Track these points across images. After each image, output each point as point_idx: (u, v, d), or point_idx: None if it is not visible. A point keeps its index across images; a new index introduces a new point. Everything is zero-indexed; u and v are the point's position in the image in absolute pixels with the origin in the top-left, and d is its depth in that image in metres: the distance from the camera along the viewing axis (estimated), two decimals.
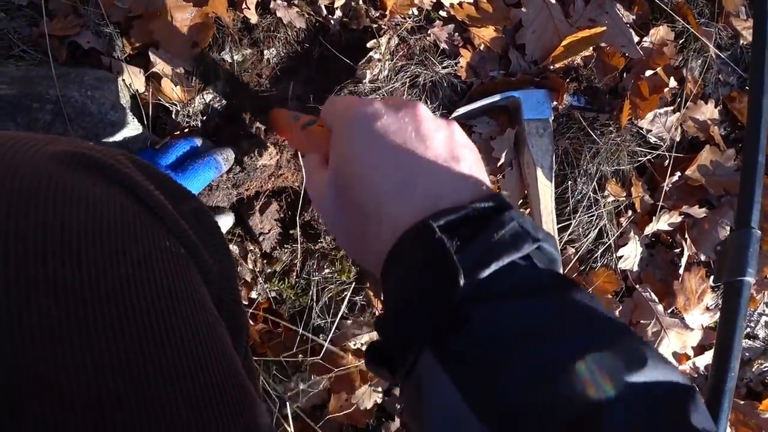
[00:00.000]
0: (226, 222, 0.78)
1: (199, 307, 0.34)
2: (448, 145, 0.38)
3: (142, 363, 0.28)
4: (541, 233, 0.33)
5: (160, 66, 0.80)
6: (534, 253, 0.33)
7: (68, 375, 0.26)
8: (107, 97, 0.76)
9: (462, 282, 0.29)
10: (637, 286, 0.89)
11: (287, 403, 0.79)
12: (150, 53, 0.79)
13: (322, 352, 0.78)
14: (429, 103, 0.81)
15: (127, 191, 0.35)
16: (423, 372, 0.31)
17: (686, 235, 0.90)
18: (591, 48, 0.85)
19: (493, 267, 0.30)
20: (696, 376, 0.92)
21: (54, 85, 0.74)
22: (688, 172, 0.89)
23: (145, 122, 0.80)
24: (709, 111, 0.91)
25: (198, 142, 0.77)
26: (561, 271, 0.35)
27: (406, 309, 0.33)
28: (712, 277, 0.87)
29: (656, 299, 0.89)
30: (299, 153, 0.72)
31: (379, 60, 0.80)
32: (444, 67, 0.82)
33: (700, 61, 0.91)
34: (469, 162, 0.38)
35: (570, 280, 0.33)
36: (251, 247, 0.80)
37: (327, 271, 0.80)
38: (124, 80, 0.78)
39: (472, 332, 0.29)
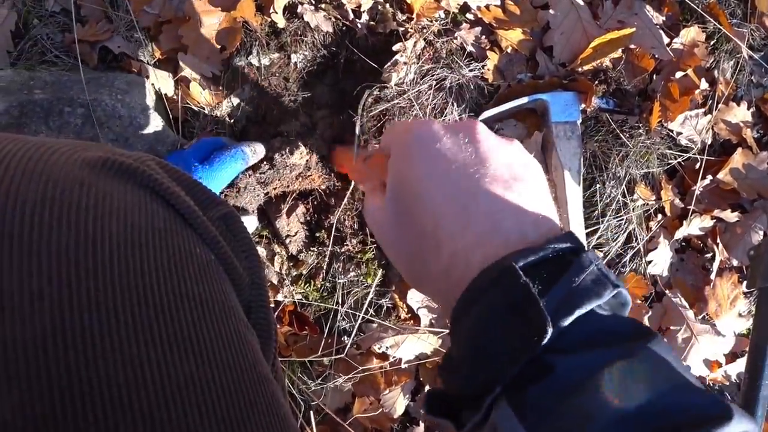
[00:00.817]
0: (250, 223, 0.79)
1: (230, 315, 0.34)
2: (509, 164, 0.36)
3: (172, 374, 0.28)
4: (617, 279, 0.31)
5: (188, 70, 0.81)
6: (610, 300, 0.32)
7: (101, 385, 0.26)
8: (137, 100, 0.77)
9: (550, 331, 0.28)
10: (667, 292, 0.88)
11: (311, 405, 0.79)
12: (179, 58, 0.80)
13: (345, 351, 0.78)
14: (455, 105, 0.81)
15: (158, 197, 0.35)
16: (498, 423, 0.29)
17: (718, 240, 0.88)
18: (620, 50, 0.84)
19: (576, 314, 0.29)
20: (728, 383, 0.90)
21: (85, 90, 0.75)
22: (719, 176, 0.87)
23: (173, 125, 0.81)
24: (741, 113, 0.89)
25: (225, 140, 0.77)
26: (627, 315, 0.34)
27: (483, 355, 0.31)
28: (744, 283, 0.85)
29: (686, 305, 0.87)
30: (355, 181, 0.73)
31: (405, 63, 0.80)
32: (471, 70, 0.82)
33: (732, 62, 0.89)
34: (532, 182, 0.36)
35: (647, 328, 0.31)
36: (278, 249, 0.80)
37: (353, 273, 0.80)
38: (153, 84, 0.79)
39: (554, 384, 0.28)
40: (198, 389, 0.28)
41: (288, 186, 0.79)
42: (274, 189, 0.78)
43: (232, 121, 0.84)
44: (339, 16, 0.83)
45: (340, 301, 0.81)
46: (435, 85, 0.81)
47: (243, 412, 0.30)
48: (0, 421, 0.24)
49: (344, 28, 0.83)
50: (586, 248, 0.32)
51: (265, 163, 0.75)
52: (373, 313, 0.80)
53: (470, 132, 0.38)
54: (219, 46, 0.80)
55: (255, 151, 0.74)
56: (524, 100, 0.81)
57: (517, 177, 0.36)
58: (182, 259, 0.33)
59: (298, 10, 0.82)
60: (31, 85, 0.77)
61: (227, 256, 0.38)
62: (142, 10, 0.80)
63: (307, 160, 0.75)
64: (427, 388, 0.83)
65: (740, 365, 0.89)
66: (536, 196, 0.35)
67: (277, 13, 0.81)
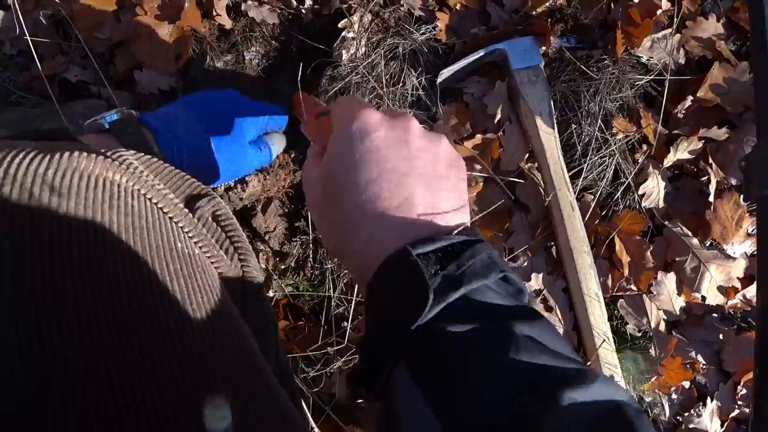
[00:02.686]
0: (282, 141, 0.75)
1: (219, 309, 0.34)
2: (435, 163, 0.41)
3: (151, 368, 0.27)
4: (507, 267, 0.37)
5: (146, 86, 0.82)
6: (500, 284, 0.37)
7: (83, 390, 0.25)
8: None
9: (431, 299, 0.33)
10: (666, 223, 0.84)
11: (321, 395, 0.79)
12: (135, 75, 0.81)
13: (346, 338, 0.77)
14: (413, 71, 0.80)
15: (134, 190, 0.34)
16: (397, 385, 0.34)
17: (710, 161, 0.84)
18: None
19: (463, 290, 0.34)
20: (749, 309, 0.86)
21: (48, 121, 0.77)
22: (699, 94, 0.83)
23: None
24: (711, 26, 0.86)
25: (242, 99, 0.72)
26: (526, 301, 0.38)
27: (384, 328, 0.36)
28: (742, 198, 0.81)
29: (689, 233, 0.83)
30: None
31: (354, 38, 0.79)
32: (422, 34, 0.81)
33: None
34: (453, 181, 0.41)
35: (532, 309, 0.37)
36: (261, 247, 0.80)
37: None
38: (115, 105, 0.80)
39: (440, 348, 0.33)
40: (188, 384, 0.28)
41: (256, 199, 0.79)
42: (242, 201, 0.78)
43: None
44: (283, 6, 0.83)
45: (331, 286, 0.80)
46: (388, 55, 0.80)
47: (242, 402, 0.30)
48: None
49: (290, 17, 0.83)
50: (482, 240, 0.38)
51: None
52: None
53: (406, 129, 0.41)
54: (173, 57, 0.81)
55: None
56: (481, 53, 0.80)
57: (440, 176, 0.41)
58: (162, 255, 0.32)
59: (242, 8, 0.82)
60: None
61: (211, 247, 0.38)
62: (92, 36, 0.82)
63: (262, 185, 0.75)
64: None
65: None
66: (454, 194, 0.41)
67: (221, 15, 0.81)
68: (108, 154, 0.34)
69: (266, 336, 0.42)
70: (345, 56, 0.78)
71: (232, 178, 0.68)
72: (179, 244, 0.34)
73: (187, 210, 0.37)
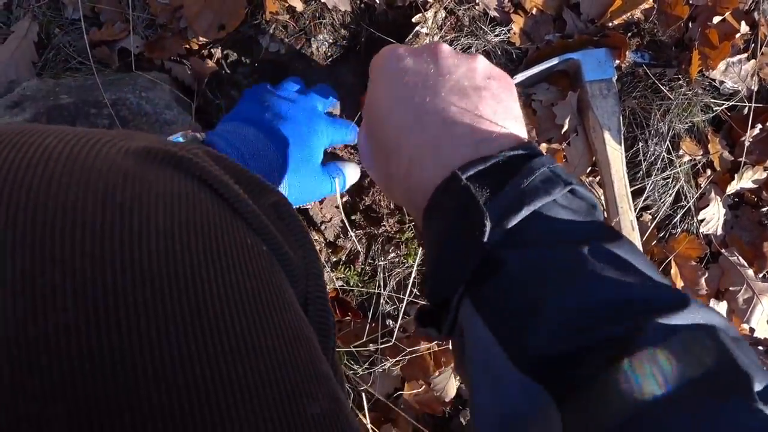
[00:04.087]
0: (355, 172, 0.73)
1: (287, 311, 0.32)
2: (469, 77, 0.37)
3: (227, 375, 0.26)
4: (573, 178, 0.33)
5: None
6: (570, 199, 0.33)
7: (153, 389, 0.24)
8: (161, 96, 0.76)
9: (488, 226, 0.30)
10: (723, 251, 0.83)
11: (360, 391, 0.77)
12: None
13: (394, 337, 0.76)
14: None
15: (206, 186, 0.33)
16: (464, 320, 0.31)
17: None
18: None
19: (525, 212, 0.30)
20: None
21: (110, 90, 0.75)
22: None
23: (193, 115, 0.80)
24: None
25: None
26: (601, 218, 0.34)
27: (442, 261, 0.33)
28: None
29: (745, 263, 0.82)
30: None
31: (428, 34, 0.77)
32: (496, 36, 0.79)
33: None
34: (494, 93, 0.37)
35: (610, 227, 0.33)
36: (315, 237, 0.78)
37: (392, 255, 0.78)
38: (176, 78, 0.79)
39: (504, 278, 0.30)
40: (256, 390, 0.27)
41: None
42: None
43: None
44: None
45: (381, 284, 0.79)
46: None
47: (301, 407, 0.28)
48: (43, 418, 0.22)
49: (362, 5, 0.82)
50: (541, 153, 0.34)
51: None
52: (417, 294, 0.78)
53: (433, 51, 0.39)
54: (216, 25, 0.78)
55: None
56: (554, 61, 0.78)
57: (478, 88, 0.37)
58: (234, 253, 0.31)
59: None
60: (57, 91, 0.77)
61: (280, 246, 0.36)
62: (154, 2, 0.80)
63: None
64: None
65: None
66: (496, 107, 0.37)
67: None
68: (180, 147, 0.33)
69: (327, 336, 0.40)
70: None
71: (299, 204, 0.67)
72: (249, 240, 0.33)
73: (256, 207, 0.36)
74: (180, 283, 0.27)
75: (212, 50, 0.81)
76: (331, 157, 0.76)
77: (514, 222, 0.30)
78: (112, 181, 0.28)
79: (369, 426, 0.75)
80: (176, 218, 0.29)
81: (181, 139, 0.54)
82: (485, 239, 0.30)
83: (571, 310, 0.27)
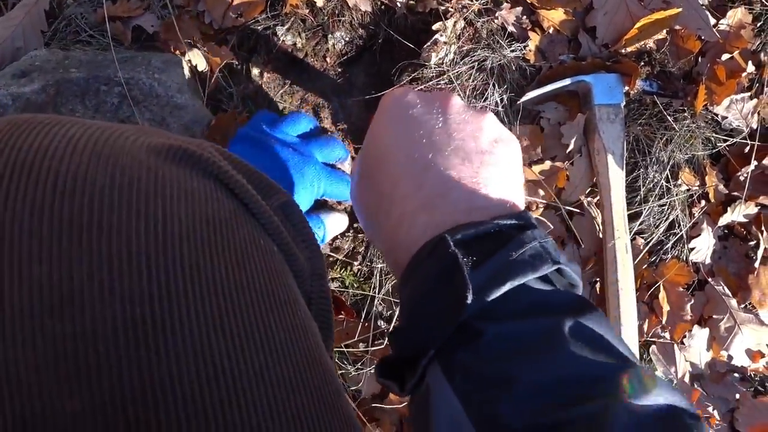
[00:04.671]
0: (341, 223, 0.75)
1: (296, 308, 0.33)
2: (476, 137, 0.37)
3: (243, 368, 0.27)
4: (562, 257, 0.33)
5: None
6: (556, 277, 0.33)
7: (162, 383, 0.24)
8: (173, 79, 0.76)
9: (470, 298, 0.29)
10: (710, 280, 0.86)
11: (348, 390, 0.78)
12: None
13: (386, 341, 0.77)
14: (497, 87, 0.79)
15: (221, 185, 0.34)
16: (431, 384, 0.31)
17: (762, 228, 0.86)
18: (665, 31, 0.82)
19: (508, 286, 0.30)
20: None
21: (123, 69, 0.74)
22: (765, 162, 0.85)
23: (204, 101, 0.80)
24: None
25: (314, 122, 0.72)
26: (579, 293, 0.35)
27: (418, 321, 0.33)
28: None
29: (729, 293, 0.85)
30: None
31: (445, 43, 0.78)
32: (512, 51, 0.80)
33: None
34: (497, 158, 0.37)
35: (584, 300, 0.32)
36: None
37: None
38: (190, 61, 0.78)
39: (480, 349, 0.29)
40: (268, 384, 0.27)
41: None
42: None
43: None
44: None
45: (377, 286, 0.79)
46: (476, 66, 0.79)
47: (312, 408, 0.29)
48: (69, 414, 0.22)
49: (383, 7, 0.82)
50: (535, 226, 0.33)
51: None
52: None
53: (444, 103, 0.38)
54: (230, 13, 0.78)
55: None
56: (566, 81, 0.79)
57: (481, 152, 0.36)
58: (248, 250, 0.32)
59: None
60: (66, 64, 0.75)
61: (289, 246, 0.37)
62: None
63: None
64: None
65: None
66: (497, 174, 0.36)
67: None
68: (195, 144, 0.33)
69: (328, 335, 0.41)
70: (434, 59, 0.77)
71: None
72: (261, 241, 0.34)
73: (267, 207, 0.36)
74: (195, 273, 0.27)
75: (228, 37, 0.81)
76: (318, 205, 0.74)
77: (495, 295, 0.30)
78: (135, 174, 0.29)
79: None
80: (197, 213, 0.30)
81: None
82: (465, 311, 0.29)
83: (546, 385, 0.27)
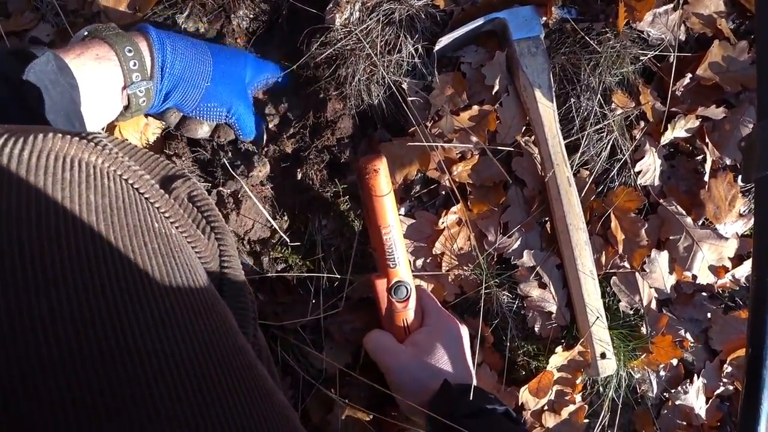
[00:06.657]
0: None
1: (196, 287, 0.34)
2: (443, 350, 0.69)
3: (138, 350, 0.28)
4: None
5: None
6: None
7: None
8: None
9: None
10: (661, 201, 0.83)
11: (311, 370, 0.77)
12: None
13: (341, 307, 0.75)
14: (409, 38, 0.76)
15: (113, 173, 0.34)
16: None
17: (707, 140, 0.84)
18: None
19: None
20: (737, 288, 0.86)
21: None
22: (699, 72, 0.82)
23: None
24: (713, 4, 0.84)
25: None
26: None
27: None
28: (740, 178, 0.81)
29: (683, 212, 0.83)
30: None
31: (348, 1, 0.75)
32: None
33: None
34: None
35: None
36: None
37: (331, 227, 0.77)
38: None
39: None
40: (171, 363, 0.28)
41: None
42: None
43: None
44: None
45: (321, 261, 0.77)
46: (384, 20, 0.76)
47: (217, 379, 0.30)
48: None
49: None
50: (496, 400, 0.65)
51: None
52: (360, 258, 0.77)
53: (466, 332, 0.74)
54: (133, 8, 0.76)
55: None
56: (480, 21, 0.77)
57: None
58: (140, 235, 0.32)
59: None
60: None
61: (188, 227, 0.39)
62: None
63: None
64: None
65: (748, 267, 0.85)
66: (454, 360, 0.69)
67: None
68: (83, 135, 0.34)
69: (244, 314, 0.43)
70: (338, 20, 0.75)
71: (222, 108, 0.71)
72: (156, 225, 0.35)
73: (163, 191, 0.38)
74: (80, 262, 0.28)
75: None
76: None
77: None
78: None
79: (336, 397, 0.75)
80: (79, 203, 0.31)
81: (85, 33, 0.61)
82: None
83: None
